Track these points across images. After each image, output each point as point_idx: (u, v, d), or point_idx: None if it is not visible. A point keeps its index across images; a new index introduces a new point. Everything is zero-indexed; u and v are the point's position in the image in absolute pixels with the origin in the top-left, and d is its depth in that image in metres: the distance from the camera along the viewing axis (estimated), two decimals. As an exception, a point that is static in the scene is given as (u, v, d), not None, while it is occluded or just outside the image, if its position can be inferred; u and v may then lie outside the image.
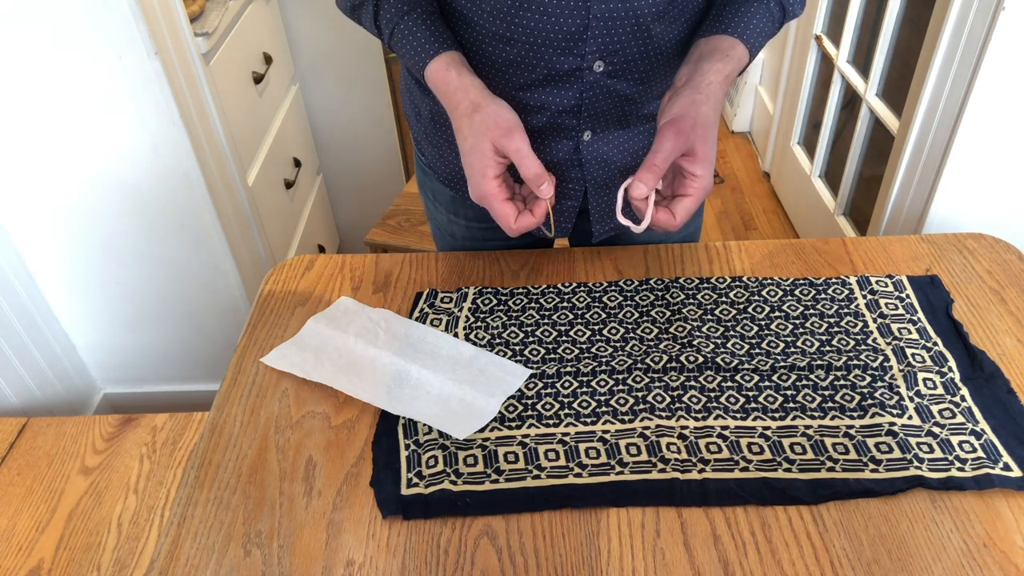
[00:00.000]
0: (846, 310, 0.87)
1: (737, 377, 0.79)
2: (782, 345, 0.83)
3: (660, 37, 0.78)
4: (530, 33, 0.76)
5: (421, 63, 0.79)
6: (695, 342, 0.83)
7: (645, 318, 0.87)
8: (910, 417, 0.74)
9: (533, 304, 0.90)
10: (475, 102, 0.76)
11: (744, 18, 0.78)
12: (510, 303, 0.91)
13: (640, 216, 0.74)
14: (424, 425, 0.76)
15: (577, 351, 0.84)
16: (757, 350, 0.82)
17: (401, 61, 0.83)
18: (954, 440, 0.72)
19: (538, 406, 0.78)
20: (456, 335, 0.87)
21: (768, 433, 0.74)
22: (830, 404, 0.76)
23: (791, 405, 0.76)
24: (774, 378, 0.79)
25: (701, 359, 0.81)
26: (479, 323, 0.88)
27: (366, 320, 0.89)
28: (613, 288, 0.92)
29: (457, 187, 0.97)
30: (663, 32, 0.78)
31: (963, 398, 0.76)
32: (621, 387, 0.79)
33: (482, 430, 0.75)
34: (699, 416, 0.76)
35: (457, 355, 0.84)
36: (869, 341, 0.83)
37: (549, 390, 0.79)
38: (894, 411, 0.75)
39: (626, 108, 0.84)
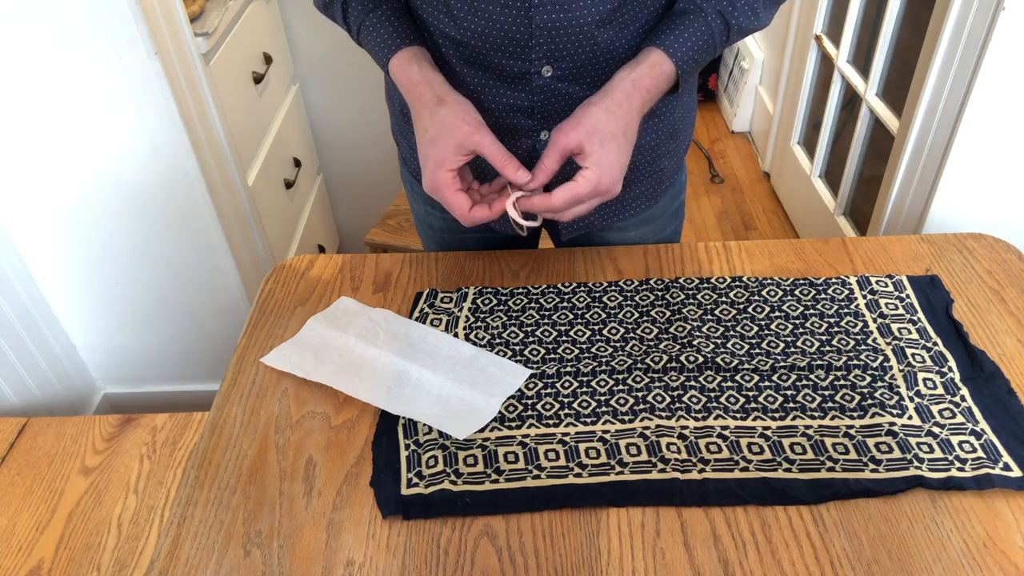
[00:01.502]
0: (846, 310, 0.87)
1: (737, 377, 0.79)
2: (782, 345, 0.83)
3: (607, 43, 0.78)
4: (479, 38, 0.77)
5: (384, 57, 0.80)
6: (695, 342, 0.83)
7: (645, 318, 0.87)
8: (910, 417, 0.74)
9: (533, 304, 0.90)
10: (440, 96, 0.77)
11: (671, 30, 0.77)
12: (510, 303, 0.91)
13: (521, 206, 0.77)
14: (424, 425, 0.76)
15: (577, 351, 0.84)
16: (757, 350, 0.82)
17: (371, 53, 0.84)
18: (954, 440, 0.72)
19: (538, 406, 0.78)
20: (456, 335, 0.87)
21: (768, 433, 0.74)
22: (830, 404, 0.76)
23: (791, 405, 0.76)
24: (774, 378, 0.79)
25: (701, 359, 0.81)
26: (479, 323, 0.88)
27: (366, 320, 0.88)
28: (613, 288, 0.92)
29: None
30: (610, 38, 0.78)
31: (963, 398, 0.76)
32: (621, 387, 0.79)
33: (482, 430, 0.75)
34: (699, 416, 0.76)
35: (457, 355, 0.84)
36: (869, 341, 0.83)
37: (549, 390, 0.79)
38: (894, 411, 0.75)
39: None
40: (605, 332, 0.86)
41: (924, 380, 0.78)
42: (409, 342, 0.85)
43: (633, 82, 0.75)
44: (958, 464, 0.70)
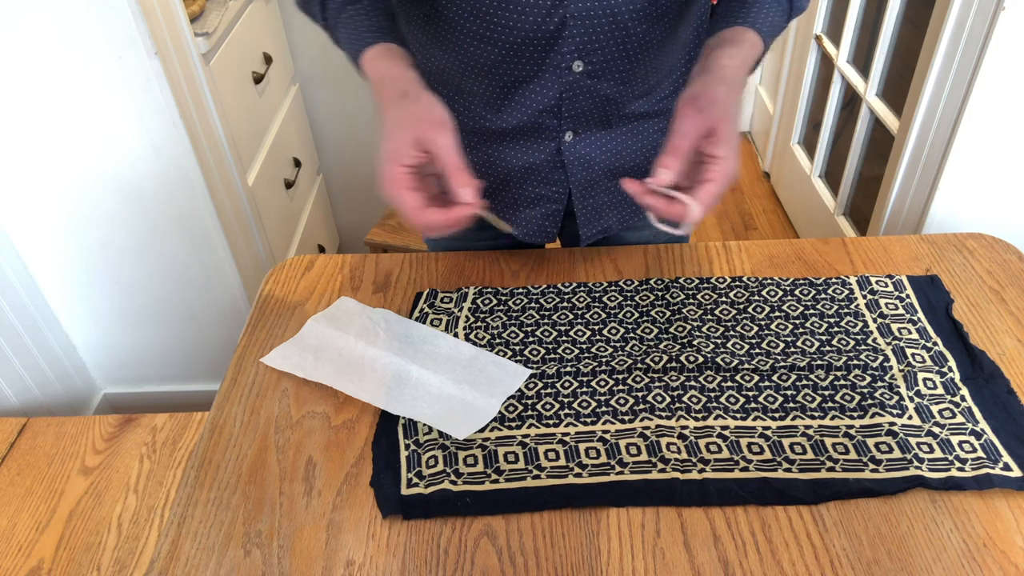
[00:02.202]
0: (846, 310, 0.87)
1: (737, 377, 0.79)
2: (782, 345, 0.83)
3: (640, 36, 0.77)
4: (508, 32, 0.76)
5: (357, 52, 0.77)
6: (695, 342, 0.83)
7: (645, 318, 0.87)
8: (910, 417, 0.74)
9: (533, 304, 0.90)
10: (404, 91, 0.72)
11: (753, 8, 0.78)
12: (510, 303, 0.91)
13: (660, 215, 0.69)
14: (424, 425, 0.76)
15: (577, 351, 0.84)
16: (757, 350, 0.82)
17: (343, 49, 0.81)
18: (954, 440, 0.72)
19: (538, 406, 0.78)
20: (456, 335, 0.87)
21: (768, 433, 0.74)
22: (830, 404, 0.76)
23: (791, 405, 0.76)
24: (774, 378, 0.79)
25: (701, 359, 0.81)
26: (479, 323, 0.88)
27: (366, 320, 0.89)
28: (613, 288, 0.92)
29: None
30: (644, 31, 0.77)
31: (963, 398, 0.76)
32: (621, 387, 0.79)
33: (482, 430, 0.75)
34: (699, 416, 0.76)
35: (457, 355, 0.84)
36: (869, 341, 0.83)
37: (549, 390, 0.79)
38: (894, 411, 0.75)
39: (607, 108, 0.84)
40: (605, 332, 0.86)
41: (924, 380, 0.78)
42: (409, 342, 0.85)
43: (743, 61, 0.75)
44: (958, 464, 0.70)
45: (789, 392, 0.78)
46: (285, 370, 0.83)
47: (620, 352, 0.83)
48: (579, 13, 0.74)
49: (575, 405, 0.78)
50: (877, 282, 0.90)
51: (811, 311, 0.87)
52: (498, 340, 0.86)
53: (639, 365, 0.81)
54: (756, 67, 0.80)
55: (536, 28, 0.75)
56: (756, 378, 0.79)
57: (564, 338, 0.85)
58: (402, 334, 0.86)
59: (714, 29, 0.80)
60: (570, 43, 0.76)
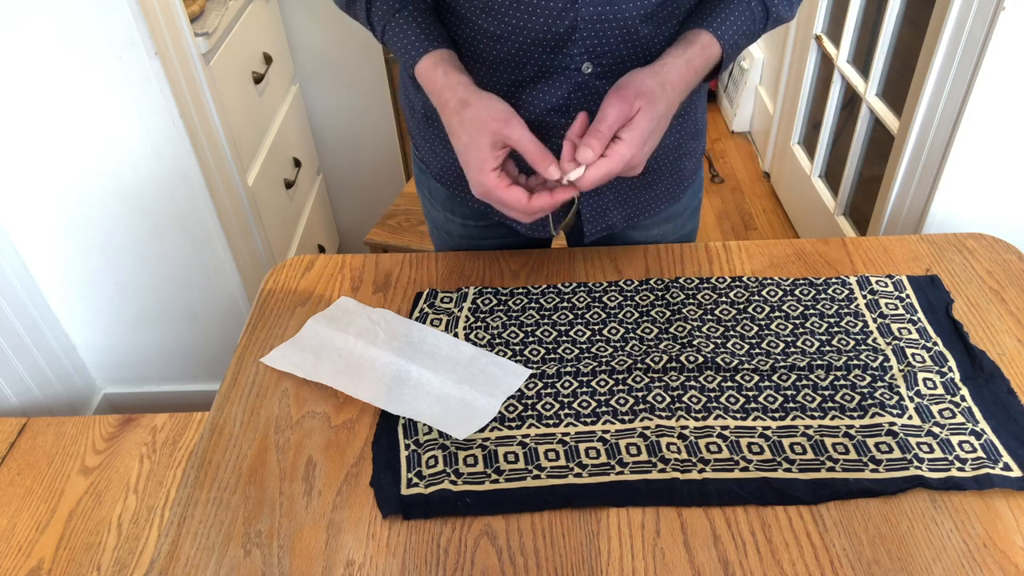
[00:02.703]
0: (846, 310, 0.87)
1: (737, 377, 0.79)
2: (782, 345, 0.83)
3: (648, 39, 0.78)
4: (519, 32, 0.76)
5: (411, 61, 0.79)
6: (695, 342, 0.83)
7: (645, 318, 0.87)
8: (910, 417, 0.74)
9: (533, 304, 0.90)
10: (463, 99, 0.75)
11: (718, 13, 0.77)
12: (510, 303, 0.91)
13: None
14: (424, 425, 0.76)
15: (577, 351, 0.84)
16: (757, 350, 0.82)
17: (397, 56, 0.83)
18: (954, 440, 0.72)
19: (538, 406, 0.78)
20: (456, 335, 0.87)
21: (768, 433, 0.74)
22: (830, 404, 0.76)
23: (791, 405, 0.76)
24: (774, 378, 0.79)
25: (701, 359, 0.81)
26: (479, 323, 0.88)
27: (366, 320, 0.89)
28: (613, 288, 0.92)
29: (450, 184, 0.97)
30: (651, 34, 0.78)
31: (963, 398, 0.76)
32: (621, 387, 0.79)
33: (482, 430, 0.75)
34: (699, 416, 0.76)
35: (457, 355, 0.84)
36: (869, 341, 0.83)
37: (549, 390, 0.79)
38: (894, 411, 0.75)
39: None
40: (605, 332, 0.86)
41: (924, 380, 0.78)
42: (409, 342, 0.85)
43: (687, 63, 0.74)
44: (958, 464, 0.70)
45: (789, 392, 0.78)
46: (285, 370, 0.83)
47: (620, 352, 0.83)
48: (589, 17, 0.74)
49: (575, 405, 0.78)
50: (877, 282, 0.90)
51: (811, 311, 0.87)
52: (498, 340, 0.86)
53: (639, 365, 0.81)
54: (715, 72, 0.79)
55: (546, 30, 0.75)
56: (756, 378, 0.79)
57: (564, 338, 0.85)
58: (402, 334, 0.86)
59: (681, 29, 0.80)
60: (580, 45, 0.76)
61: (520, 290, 0.92)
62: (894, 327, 0.84)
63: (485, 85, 0.82)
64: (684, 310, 0.88)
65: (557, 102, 0.81)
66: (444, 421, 0.76)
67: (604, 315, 0.88)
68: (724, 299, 0.89)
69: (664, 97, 0.73)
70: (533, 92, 0.81)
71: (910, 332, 0.84)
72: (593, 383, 0.80)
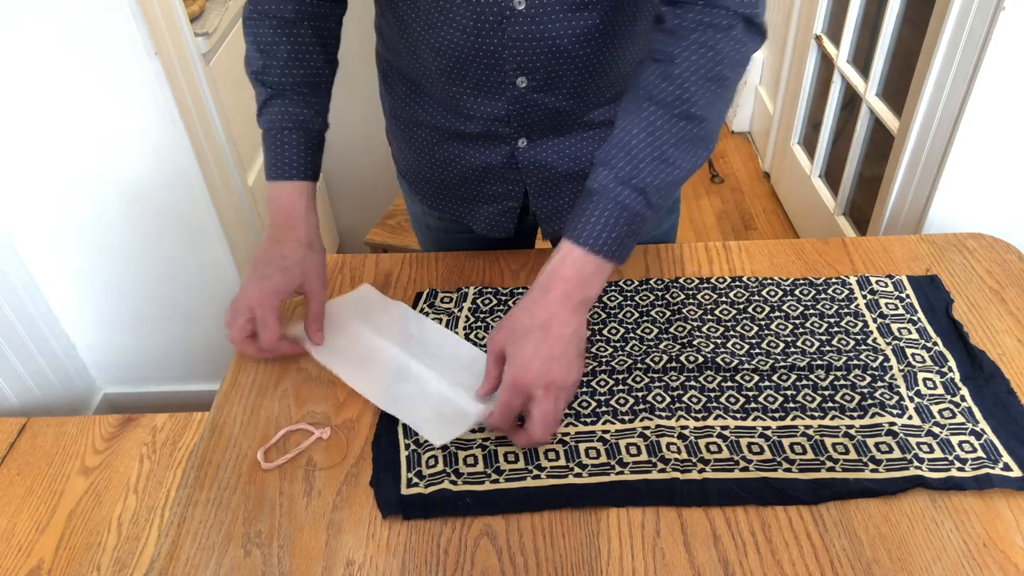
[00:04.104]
0: (846, 310, 0.87)
1: (737, 377, 0.79)
2: (782, 345, 0.83)
3: (583, 58, 0.78)
4: (455, 48, 0.78)
5: (287, 172, 0.83)
6: (695, 342, 0.83)
7: (645, 318, 0.87)
8: (910, 417, 0.74)
9: (533, 304, 0.90)
10: (311, 242, 0.83)
11: (579, 217, 0.71)
12: (510, 303, 0.91)
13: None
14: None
15: (577, 351, 0.84)
16: (757, 350, 0.82)
17: (264, 155, 0.86)
18: (954, 440, 0.72)
19: (538, 406, 0.78)
20: (456, 335, 0.87)
21: (768, 433, 0.74)
22: (830, 404, 0.76)
23: (791, 405, 0.76)
24: (774, 378, 0.79)
25: (701, 359, 0.81)
26: (479, 323, 0.88)
27: (382, 311, 0.90)
28: (613, 288, 0.92)
29: (413, 182, 0.99)
30: (588, 54, 0.78)
31: (963, 398, 0.76)
32: (621, 387, 0.79)
33: (482, 430, 0.75)
34: (699, 416, 0.76)
35: (458, 355, 0.83)
36: (869, 341, 0.83)
37: (549, 390, 0.79)
38: (894, 411, 0.75)
39: (561, 119, 0.84)
40: (605, 332, 0.86)
41: (924, 380, 0.78)
42: (416, 337, 0.86)
43: (549, 275, 0.71)
44: (958, 464, 0.70)
45: (789, 392, 0.77)
46: (297, 336, 0.85)
47: (620, 352, 0.83)
48: (517, 36, 0.75)
49: (575, 405, 0.78)
50: (877, 282, 0.90)
51: (811, 311, 0.87)
52: (498, 340, 0.86)
53: (639, 365, 0.81)
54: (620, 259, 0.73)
55: (479, 46, 0.77)
56: (756, 378, 0.79)
57: (564, 338, 0.85)
58: (413, 328, 0.87)
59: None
60: (511, 63, 0.78)
61: (520, 290, 0.92)
62: (894, 327, 0.84)
63: (431, 94, 0.85)
64: (684, 310, 0.88)
65: (499, 113, 0.83)
66: (426, 426, 0.75)
67: (604, 315, 0.88)
68: (724, 299, 0.89)
69: (526, 315, 0.71)
70: (475, 103, 0.83)
71: (910, 332, 0.84)
72: (593, 383, 0.80)
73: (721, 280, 0.92)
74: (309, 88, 0.86)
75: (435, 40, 0.78)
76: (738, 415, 0.76)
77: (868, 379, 0.78)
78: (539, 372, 0.69)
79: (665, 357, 0.82)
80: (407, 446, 0.75)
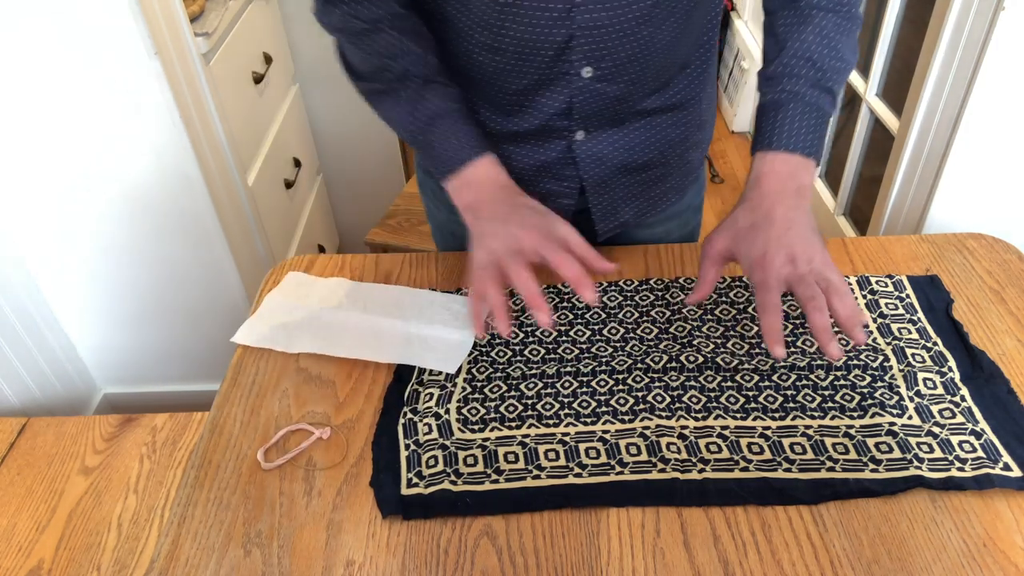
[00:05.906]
0: (846, 310, 0.87)
1: (737, 377, 0.79)
2: (782, 345, 0.83)
3: (647, 40, 0.78)
4: (517, 44, 0.76)
5: (476, 150, 0.81)
6: (695, 342, 0.83)
7: (645, 318, 0.87)
8: (910, 417, 0.74)
9: (533, 304, 0.90)
10: (530, 203, 0.80)
11: (766, 132, 0.79)
12: (510, 303, 0.90)
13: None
14: (424, 425, 0.76)
15: (577, 351, 0.84)
16: (757, 350, 0.82)
17: (423, 152, 0.85)
18: (954, 440, 0.72)
19: (538, 406, 0.78)
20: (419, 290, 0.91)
21: (768, 433, 0.74)
22: (830, 404, 0.76)
23: (791, 405, 0.76)
24: (774, 378, 0.79)
25: (701, 359, 0.81)
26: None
27: (322, 288, 0.92)
28: (613, 288, 0.92)
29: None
30: (649, 35, 0.78)
31: (963, 398, 0.76)
32: (621, 387, 0.79)
33: (482, 430, 0.75)
34: (699, 416, 0.76)
35: (418, 301, 0.89)
36: (869, 341, 0.83)
37: (549, 390, 0.79)
38: (894, 411, 0.75)
39: (618, 107, 0.84)
40: (605, 332, 0.86)
41: (924, 380, 0.78)
42: (370, 299, 0.90)
43: (756, 178, 0.77)
44: (958, 464, 0.70)
45: (789, 392, 0.78)
46: (260, 346, 0.86)
47: (620, 352, 0.83)
48: (586, 24, 0.74)
49: (575, 405, 0.78)
50: (877, 282, 0.90)
51: (811, 311, 0.87)
52: (498, 340, 0.86)
53: (639, 365, 0.81)
54: (809, 174, 0.78)
55: (544, 40, 0.75)
56: (756, 378, 0.79)
57: (564, 338, 0.85)
58: (362, 294, 0.91)
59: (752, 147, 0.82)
60: (578, 52, 0.77)
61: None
62: (894, 327, 0.84)
63: (486, 96, 0.84)
64: (684, 310, 0.88)
65: (560, 106, 0.82)
66: (432, 360, 0.80)
67: (604, 315, 0.88)
68: (724, 299, 0.89)
69: (745, 213, 0.75)
70: (535, 98, 0.82)
71: (910, 332, 0.84)
72: (593, 383, 0.80)
73: (721, 280, 0.92)
74: (442, 72, 0.84)
75: (493, 39, 0.77)
76: (738, 415, 0.76)
77: (868, 379, 0.78)
78: (785, 257, 0.71)
79: (665, 357, 0.82)
80: (407, 446, 0.75)
